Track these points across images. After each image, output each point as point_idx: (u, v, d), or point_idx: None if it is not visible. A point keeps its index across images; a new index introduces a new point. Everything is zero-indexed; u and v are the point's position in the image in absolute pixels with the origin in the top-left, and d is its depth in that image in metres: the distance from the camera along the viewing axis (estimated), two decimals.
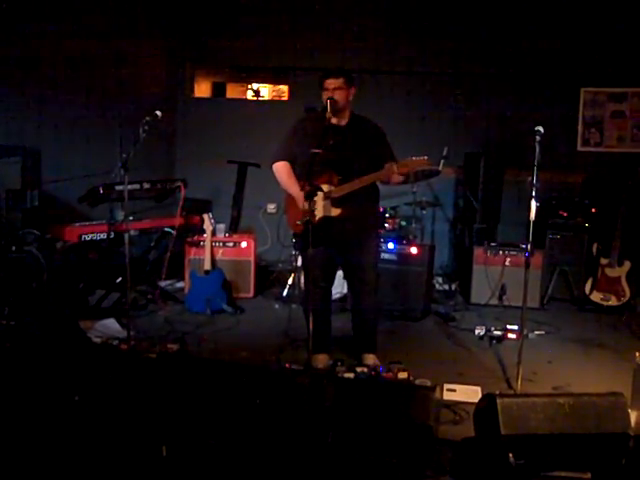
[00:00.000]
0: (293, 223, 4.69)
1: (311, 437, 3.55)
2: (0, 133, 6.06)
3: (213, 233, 6.60)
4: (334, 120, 4.67)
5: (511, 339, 5.57)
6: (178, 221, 6.45)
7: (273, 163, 4.83)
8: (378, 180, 4.69)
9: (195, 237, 6.75)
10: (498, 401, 3.37)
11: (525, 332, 4.70)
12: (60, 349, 4.34)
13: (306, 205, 4.14)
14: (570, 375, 4.84)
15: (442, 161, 6.26)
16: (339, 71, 4.75)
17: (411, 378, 4.33)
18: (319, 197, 4.58)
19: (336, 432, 3.56)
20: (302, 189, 4.32)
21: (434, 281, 6.96)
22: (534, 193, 4.42)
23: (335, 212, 4.61)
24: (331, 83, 4.61)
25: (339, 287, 5.93)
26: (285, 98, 9.20)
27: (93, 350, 4.58)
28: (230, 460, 3.49)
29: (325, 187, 4.59)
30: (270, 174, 7.08)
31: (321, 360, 4.86)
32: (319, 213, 4.60)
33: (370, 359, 4.96)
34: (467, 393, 4.35)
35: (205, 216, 6.55)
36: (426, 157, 4.42)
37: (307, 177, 4.18)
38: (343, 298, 6.23)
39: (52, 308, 5.22)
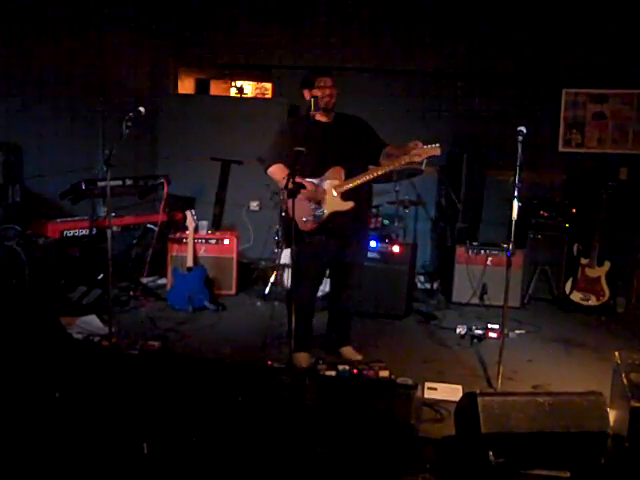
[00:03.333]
0: (300, 220, 4.66)
1: (292, 435, 3.56)
2: None
3: (196, 230, 6.60)
4: (321, 118, 4.71)
5: (492, 338, 5.61)
6: (161, 218, 6.43)
7: (267, 169, 4.79)
8: (391, 169, 4.71)
9: (177, 234, 6.74)
10: (479, 400, 3.39)
11: (506, 331, 4.72)
12: (41, 345, 4.32)
13: (290, 203, 4.12)
14: (550, 374, 4.88)
15: (424, 160, 6.29)
16: (328, 70, 4.79)
17: (393, 376, 4.34)
18: (328, 193, 4.60)
19: (317, 430, 3.57)
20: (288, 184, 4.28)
21: (416, 280, 6.98)
22: (516, 193, 4.44)
23: (347, 206, 4.62)
24: (328, 81, 4.65)
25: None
26: (269, 96, 9.19)
27: (74, 347, 4.55)
28: (212, 458, 3.49)
29: (333, 182, 4.62)
30: (253, 171, 7.08)
31: (303, 359, 4.86)
32: (328, 209, 4.61)
33: (349, 351, 5.02)
34: (448, 392, 4.37)
35: (188, 213, 6.54)
36: (438, 144, 4.46)
37: (291, 175, 4.16)
38: (326, 296, 6.24)
39: (33, 304, 5.19)
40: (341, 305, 5.04)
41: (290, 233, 4.18)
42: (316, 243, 4.69)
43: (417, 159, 4.47)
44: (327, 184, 4.62)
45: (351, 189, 4.61)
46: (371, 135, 4.84)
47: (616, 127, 7.68)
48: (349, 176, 4.63)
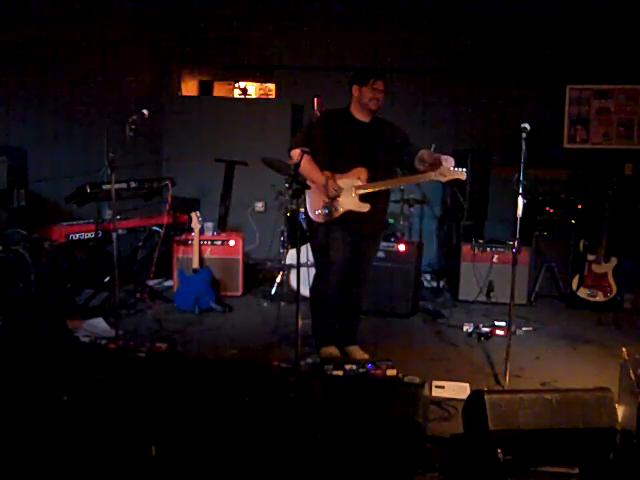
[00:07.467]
0: (312, 211, 4.71)
1: (300, 435, 3.55)
2: None
3: (201, 232, 6.60)
4: (360, 116, 4.72)
5: (499, 335, 5.60)
6: (166, 220, 6.43)
7: (291, 150, 4.68)
8: (413, 182, 4.75)
9: (183, 236, 6.75)
10: (486, 397, 3.38)
11: (513, 328, 4.71)
12: (48, 349, 4.32)
13: (294, 203, 4.13)
14: (557, 371, 4.87)
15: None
16: (382, 73, 4.79)
17: (400, 375, 4.34)
18: (347, 191, 4.62)
19: (325, 430, 3.56)
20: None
21: (422, 278, 6.98)
22: (521, 190, 4.44)
23: (363, 208, 4.65)
24: (381, 85, 4.65)
25: None
26: (272, 96, 9.19)
27: (81, 350, 4.55)
28: (220, 459, 3.49)
29: (354, 182, 4.64)
30: (258, 173, 7.06)
31: (332, 352, 4.87)
32: (344, 207, 4.64)
33: (355, 351, 5.00)
34: (456, 390, 4.36)
35: (193, 215, 6.54)
36: (465, 169, 4.51)
37: (296, 176, 4.15)
38: None
39: (40, 308, 5.19)
40: (349, 304, 5.03)
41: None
42: (336, 235, 4.70)
43: (442, 179, 4.54)
44: (348, 182, 4.64)
45: (370, 192, 4.64)
46: (404, 143, 4.81)
47: (621, 123, 7.67)
48: (373, 179, 4.65)
